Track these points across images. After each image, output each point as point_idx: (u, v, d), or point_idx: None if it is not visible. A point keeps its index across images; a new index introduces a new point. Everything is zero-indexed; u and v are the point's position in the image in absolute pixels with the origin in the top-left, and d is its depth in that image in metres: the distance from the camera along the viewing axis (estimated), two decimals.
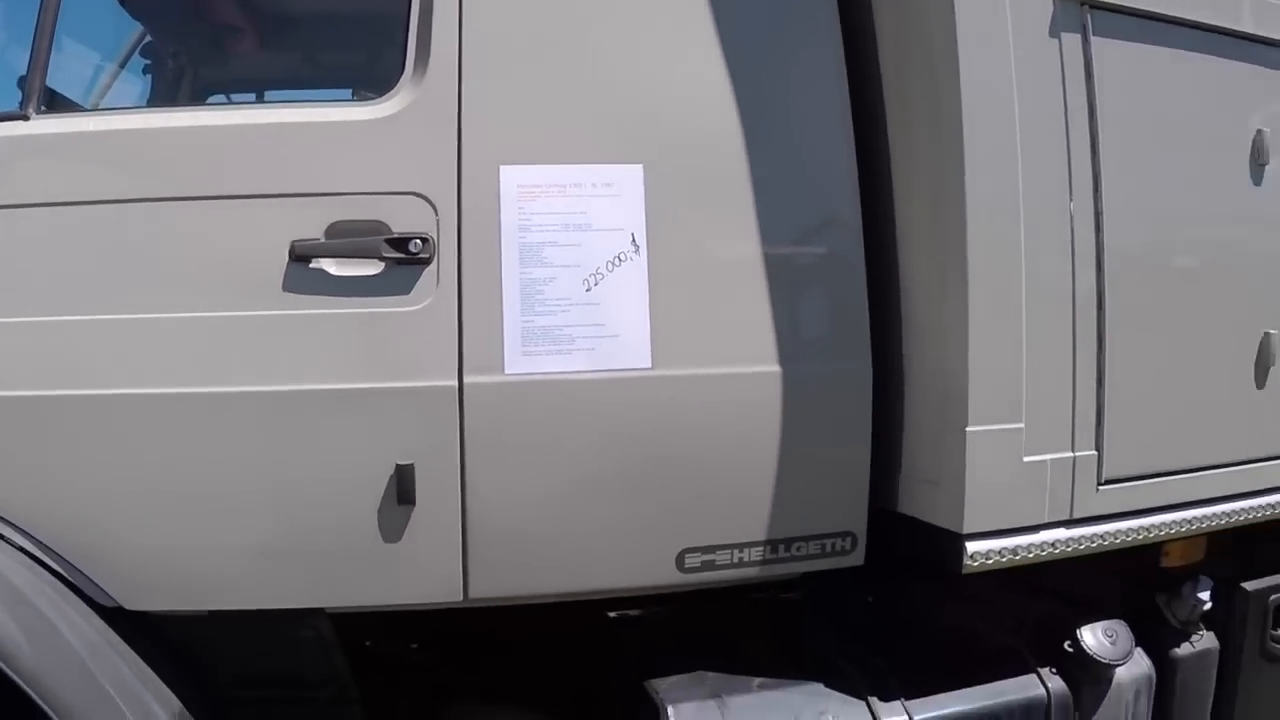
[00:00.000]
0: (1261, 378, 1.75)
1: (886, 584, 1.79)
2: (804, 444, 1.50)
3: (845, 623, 1.77)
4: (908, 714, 1.55)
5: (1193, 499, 1.67)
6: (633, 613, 1.79)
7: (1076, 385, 1.53)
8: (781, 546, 1.53)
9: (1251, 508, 1.74)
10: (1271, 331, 1.75)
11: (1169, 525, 1.63)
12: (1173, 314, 1.64)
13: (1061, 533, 1.53)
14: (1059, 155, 1.53)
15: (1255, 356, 1.74)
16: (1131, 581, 1.79)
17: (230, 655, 1.50)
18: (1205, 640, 1.79)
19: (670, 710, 1.49)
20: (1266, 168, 1.76)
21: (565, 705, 1.72)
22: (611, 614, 1.79)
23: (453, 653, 1.81)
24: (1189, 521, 1.66)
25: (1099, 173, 1.56)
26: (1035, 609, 1.75)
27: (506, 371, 1.40)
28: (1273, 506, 1.78)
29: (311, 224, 1.36)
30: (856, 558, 1.56)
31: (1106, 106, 1.54)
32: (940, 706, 1.57)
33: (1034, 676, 1.64)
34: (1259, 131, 1.72)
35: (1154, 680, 1.72)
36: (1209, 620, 1.81)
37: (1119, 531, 1.58)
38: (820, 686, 1.58)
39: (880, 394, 1.54)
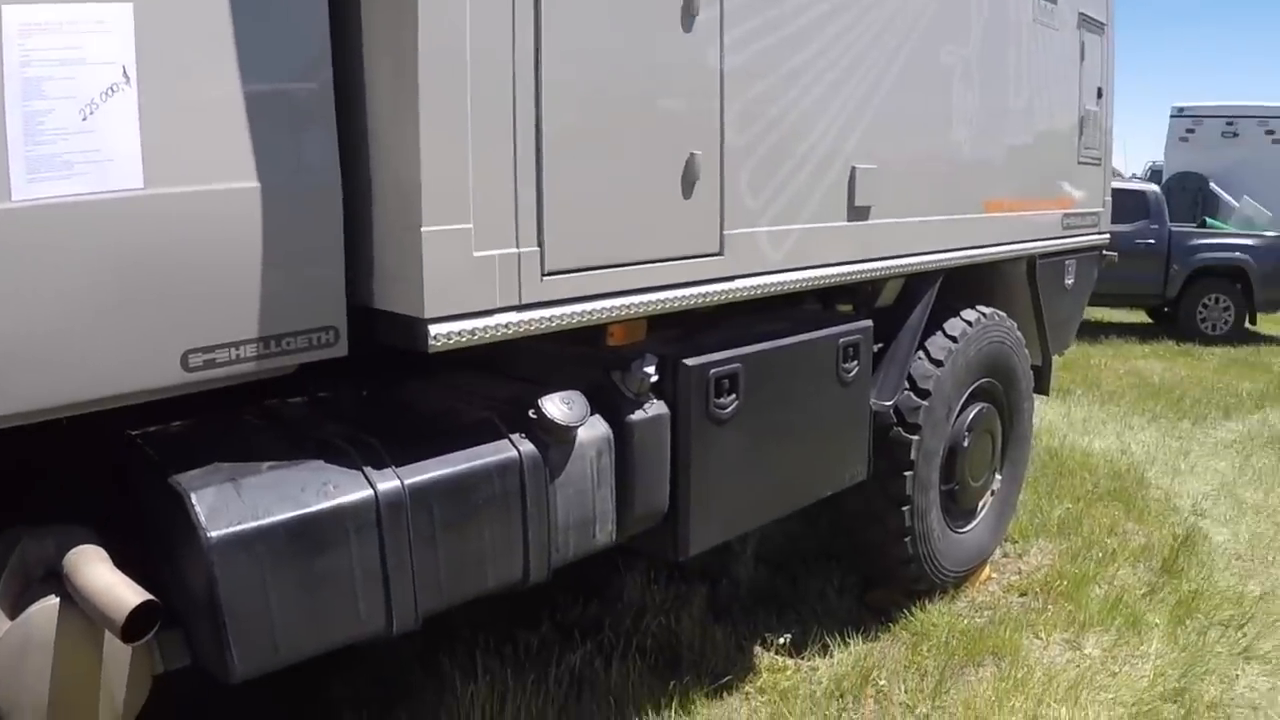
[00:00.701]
0: (688, 190, 2.41)
1: (379, 378, 2.26)
2: (284, 250, 1.88)
3: (344, 413, 2.24)
4: (399, 479, 2.04)
5: (630, 288, 2.29)
6: (153, 428, 2.09)
7: (519, 193, 2.06)
8: (273, 342, 1.91)
9: (679, 297, 2.41)
10: (696, 152, 2.40)
11: (609, 310, 2.26)
12: (606, 137, 2.24)
13: (513, 316, 2.08)
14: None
15: (682, 172, 2.38)
16: (590, 360, 2.41)
17: None
18: (656, 408, 2.48)
19: (193, 496, 1.83)
20: (696, 18, 2.38)
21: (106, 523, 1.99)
22: (135, 432, 2.08)
23: None
24: (628, 307, 2.30)
25: (540, 16, 2.05)
26: (510, 390, 2.31)
27: (13, 199, 1.60)
28: (698, 296, 2.47)
29: None
30: (340, 349, 2.00)
31: None
32: (427, 470, 2.09)
33: (506, 441, 2.20)
34: None
35: (612, 441, 2.38)
36: (660, 391, 2.49)
37: (563, 315, 2.17)
38: (322, 463, 2.02)
39: (352, 204, 1.95)
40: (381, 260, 1.99)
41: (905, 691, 3.25)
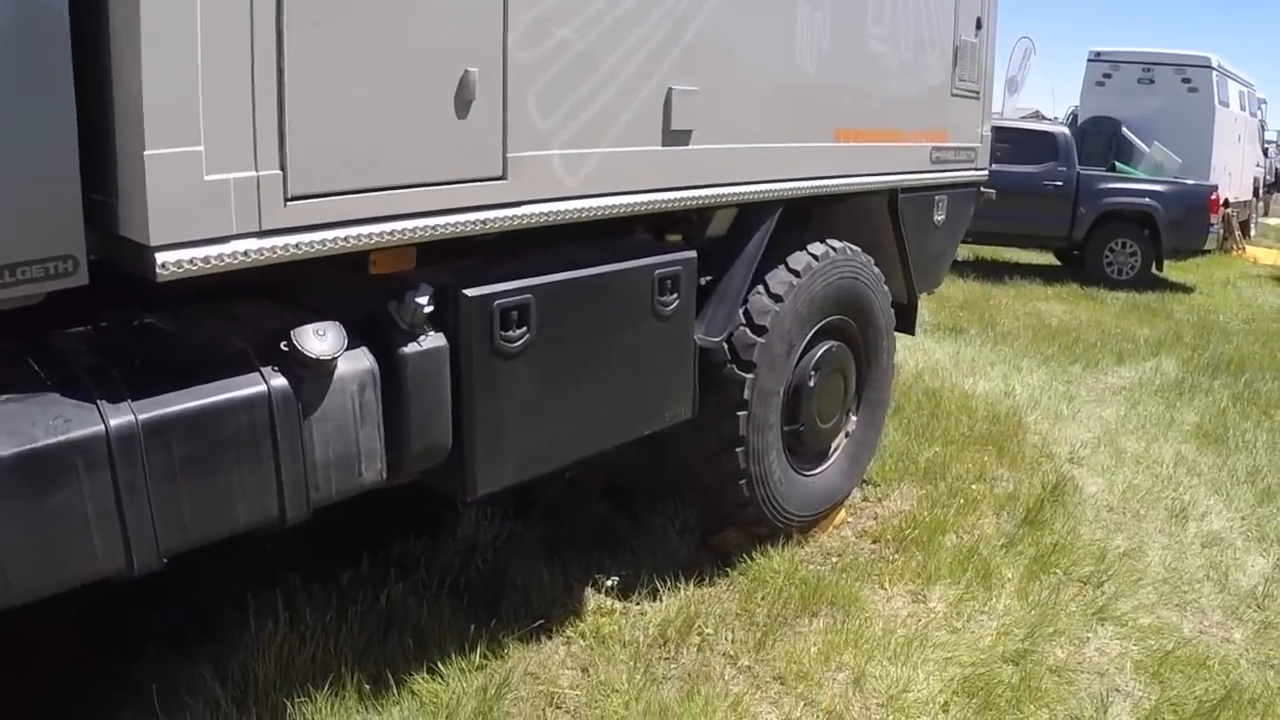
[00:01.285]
0: (463, 110, 2.45)
1: (130, 308, 2.29)
2: (16, 178, 1.88)
3: (108, 345, 2.28)
4: (134, 413, 2.09)
5: (391, 214, 2.35)
6: None
7: (257, 113, 2.11)
8: (7, 272, 1.92)
9: (454, 223, 2.47)
10: (471, 70, 2.44)
11: (366, 237, 2.31)
12: (361, 53, 2.28)
13: (253, 243, 2.15)
14: None
15: (455, 91, 2.42)
16: (370, 290, 2.47)
17: None
18: (433, 340, 2.57)
19: None
20: None
21: None
22: None
23: None
24: (390, 234, 2.36)
25: None
26: (280, 320, 2.36)
27: None
28: (477, 223, 2.53)
29: None
30: (81, 278, 2.05)
31: None
32: (165, 405, 2.16)
33: (257, 374, 2.27)
34: None
35: (378, 374, 2.47)
36: (440, 323, 2.55)
37: (311, 243, 2.23)
38: (56, 396, 2.08)
39: (95, 126, 1.97)
40: (121, 185, 2.03)
41: (731, 642, 3.45)
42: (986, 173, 5.30)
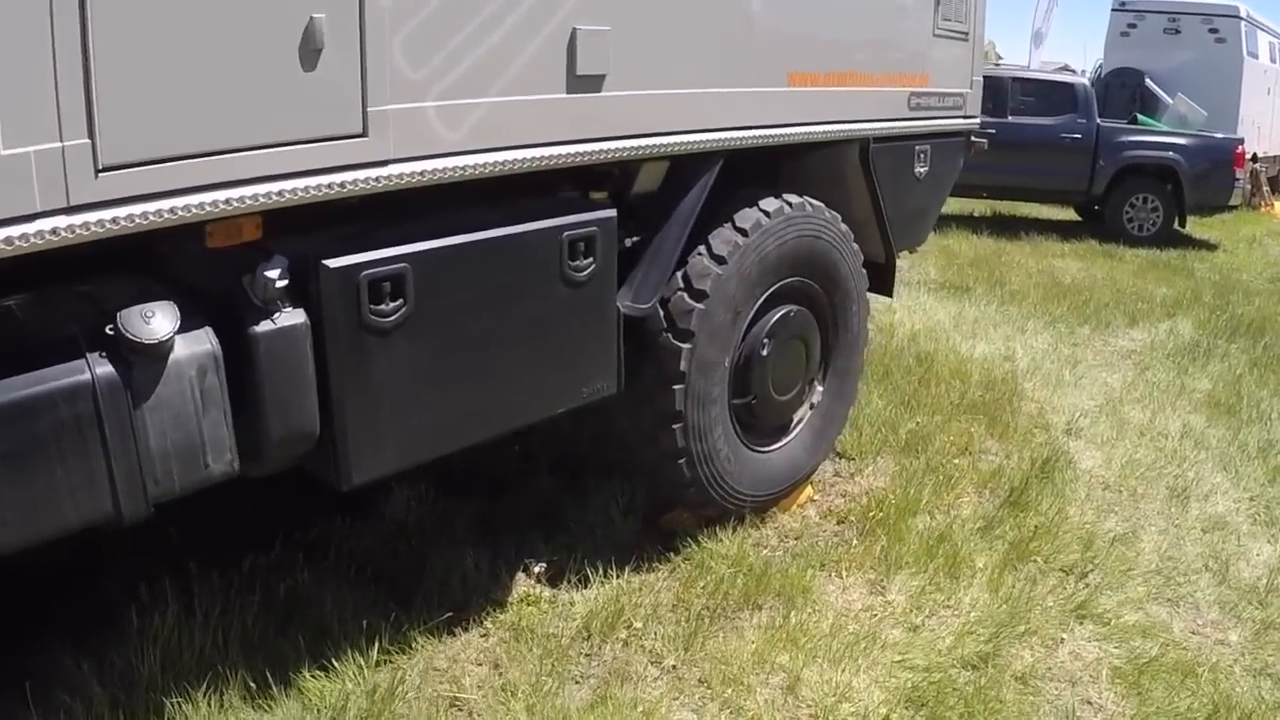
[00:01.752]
0: (310, 62, 2.16)
1: None
2: None
3: None
4: None
5: (223, 180, 2.07)
6: None
7: (59, 77, 1.82)
8: None
9: (304, 187, 2.19)
10: (318, 16, 2.14)
11: (194, 208, 2.04)
12: (182, 3, 1.96)
13: (61, 220, 1.90)
14: None
15: (300, 41, 2.13)
16: (222, 264, 2.21)
17: None
18: (290, 316, 2.30)
19: None
20: None
21: None
22: None
23: None
24: (223, 203, 2.09)
25: None
26: (124, 299, 2.10)
27: None
28: (334, 185, 2.25)
29: None
30: None
31: None
32: None
33: (82, 362, 2.02)
34: None
35: (220, 358, 2.21)
36: (301, 297, 2.28)
37: (130, 216, 1.97)
38: None
39: None
40: None
41: (659, 638, 3.18)
42: (977, 121, 4.93)
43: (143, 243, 2.09)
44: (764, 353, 3.70)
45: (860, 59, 4.02)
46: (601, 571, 3.44)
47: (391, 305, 2.44)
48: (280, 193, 2.20)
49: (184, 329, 2.15)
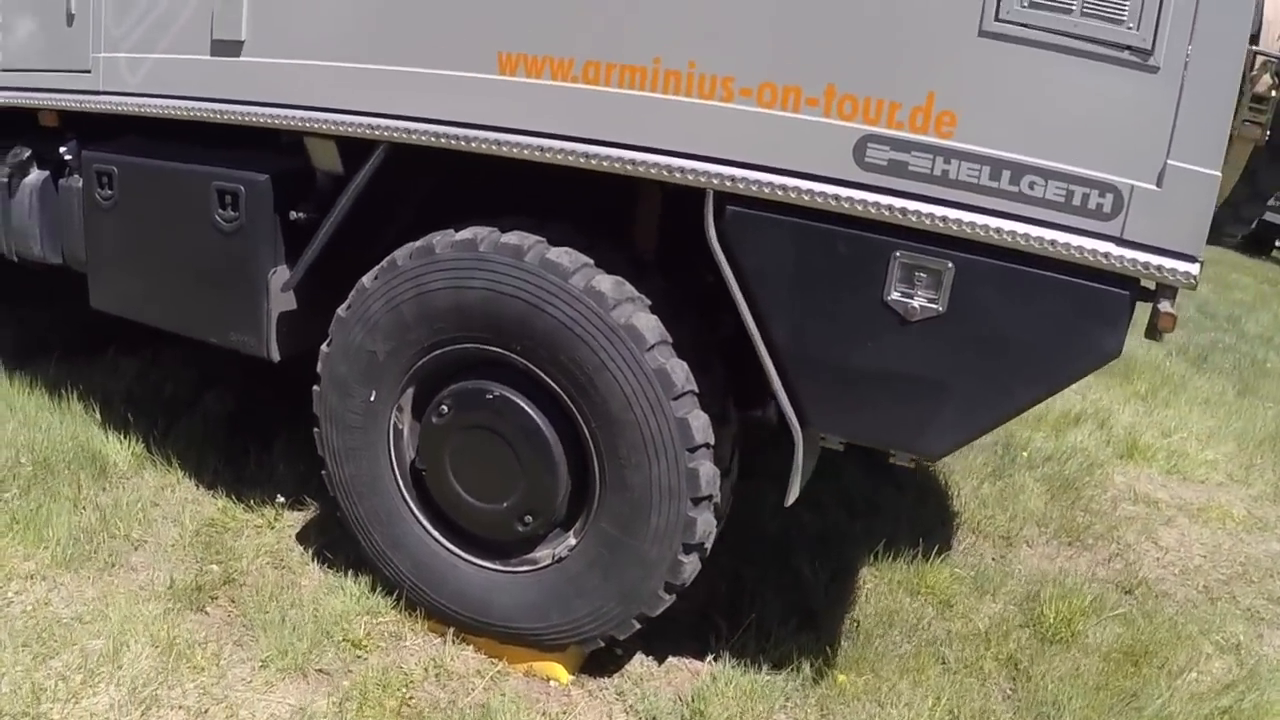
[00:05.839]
0: (70, 21, 3.53)
1: None
2: None
3: None
4: None
5: (33, 87, 3.69)
6: None
7: None
8: None
9: (61, 100, 3.61)
10: None
11: (16, 99, 3.74)
12: None
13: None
14: None
15: (65, 9, 3.52)
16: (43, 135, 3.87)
17: None
18: (72, 179, 3.73)
19: None
20: None
21: None
22: None
23: None
24: (22, 99, 3.71)
25: None
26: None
27: None
28: (74, 102, 3.56)
29: None
30: None
31: None
32: None
33: None
34: None
35: (40, 186, 3.86)
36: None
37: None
38: None
39: None
40: None
41: None
42: (1179, 267, 2.06)
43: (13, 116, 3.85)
44: (435, 420, 2.82)
45: (685, 45, 2.30)
46: None
47: (107, 192, 3.50)
48: (52, 100, 3.63)
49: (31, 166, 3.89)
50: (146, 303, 3.60)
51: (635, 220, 2.99)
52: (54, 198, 3.91)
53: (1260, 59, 2.41)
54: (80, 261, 3.81)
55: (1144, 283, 2.17)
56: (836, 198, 2.24)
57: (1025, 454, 4.93)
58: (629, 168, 2.44)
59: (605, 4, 2.46)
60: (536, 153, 2.54)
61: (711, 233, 2.39)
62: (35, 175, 4.00)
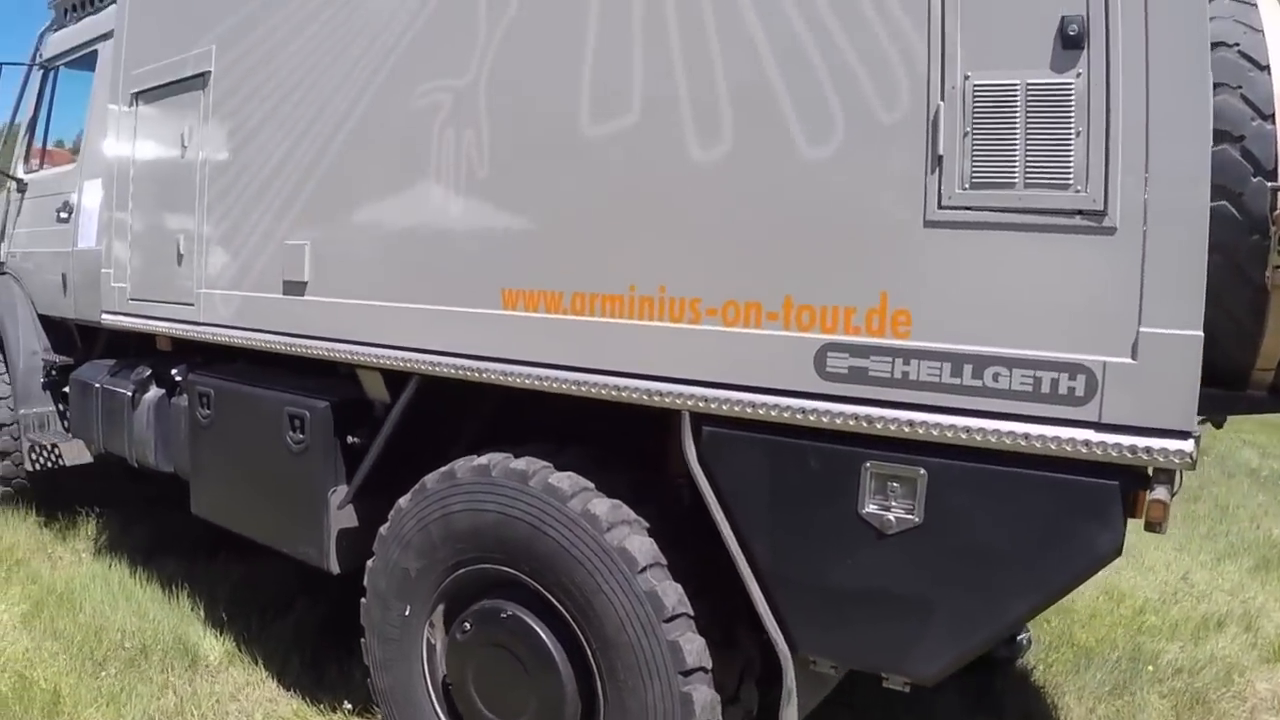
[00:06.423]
0: (179, 261, 4.01)
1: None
2: None
3: None
4: None
5: (151, 315, 4.18)
6: None
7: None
8: None
9: (174, 330, 4.07)
10: (180, 236, 3.98)
11: (146, 325, 4.24)
12: (146, 234, 4.18)
13: (118, 319, 4.43)
14: None
15: (177, 248, 4.02)
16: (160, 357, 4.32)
17: None
18: (180, 398, 4.15)
19: None
20: (187, 150, 3.95)
21: None
22: None
23: None
24: (145, 327, 4.20)
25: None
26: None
27: None
28: (186, 332, 4.01)
29: None
30: None
31: None
32: None
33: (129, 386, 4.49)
34: None
35: (155, 401, 4.30)
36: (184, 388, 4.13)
37: (132, 325, 4.34)
38: None
39: None
40: None
41: None
42: (1168, 446, 1.86)
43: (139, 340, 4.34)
44: (459, 637, 2.90)
45: (662, 271, 2.45)
46: None
47: (205, 411, 3.87)
48: (165, 327, 4.07)
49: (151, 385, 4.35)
50: (233, 512, 3.91)
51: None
52: (167, 413, 4.36)
53: None
54: (186, 471, 4.19)
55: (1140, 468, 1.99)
56: (802, 411, 2.24)
57: (1151, 668, 4.53)
58: (615, 394, 2.54)
59: (586, 237, 2.62)
60: (536, 382, 2.69)
61: (690, 454, 2.44)
62: (153, 392, 4.48)
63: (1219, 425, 3.24)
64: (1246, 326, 2.45)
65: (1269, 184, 2.36)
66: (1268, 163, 2.38)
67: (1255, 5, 2.66)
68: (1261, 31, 2.59)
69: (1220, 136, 2.41)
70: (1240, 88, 2.46)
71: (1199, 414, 2.99)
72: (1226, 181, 2.38)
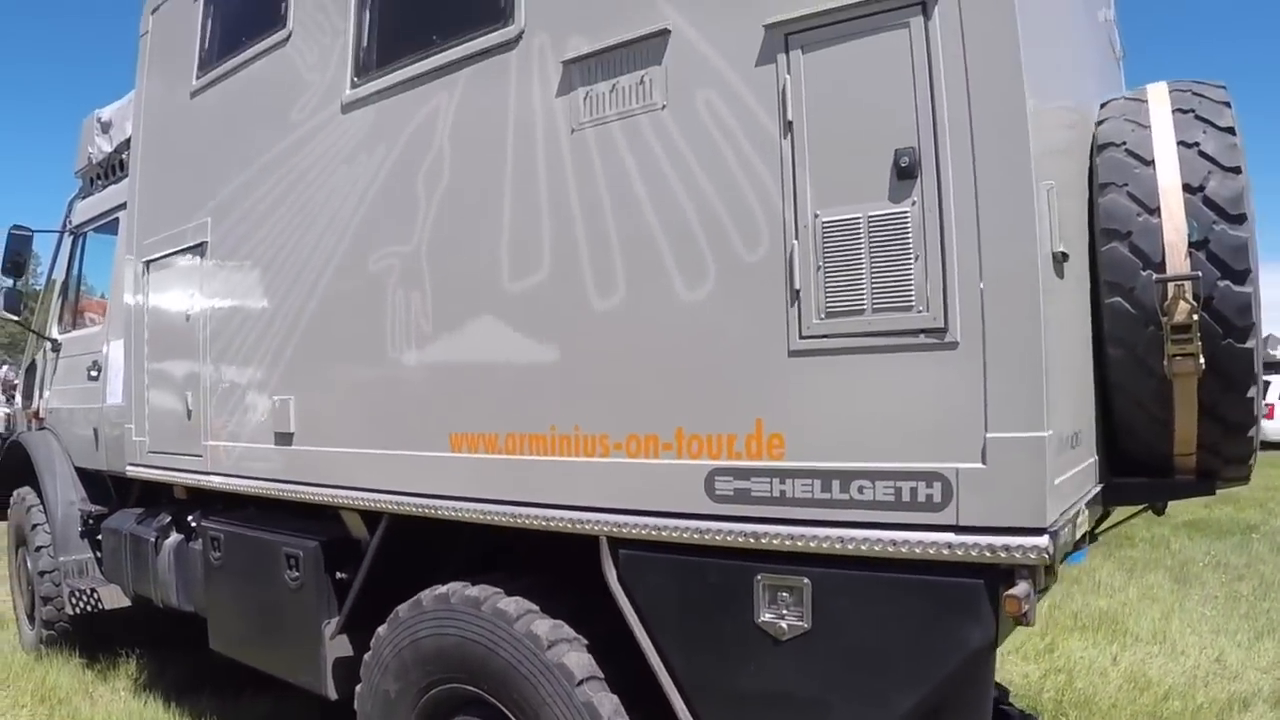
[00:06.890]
0: (189, 415, 4.39)
1: None
2: None
3: None
4: None
5: (160, 466, 4.55)
6: None
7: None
8: None
9: (187, 480, 4.43)
10: (189, 395, 4.36)
11: (163, 476, 4.61)
12: (168, 399, 4.58)
13: (141, 471, 4.81)
14: None
15: (185, 404, 4.40)
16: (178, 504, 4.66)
17: None
18: (195, 542, 4.50)
19: None
20: (194, 322, 4.36)
21: None
22: None
23: None
24: (158, 476, 4.57)
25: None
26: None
27: None
28: (197, 482, 4.36)
29: None
30: None
31: None
32: None
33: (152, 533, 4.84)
34: None
35: (174, 547, 4.64)
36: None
37: (156, 476, 4.71)
38: None
39: None
40: None
41: None
42: (1024, 543, 2.00)
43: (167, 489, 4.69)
44: None
45: (570, 411, 2.73)
46: None
47: (218, 553, 4.19)
48: (180, 478, 4.41)
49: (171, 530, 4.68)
50: (245, 646, 4.21)
51: None
52: (185, 556, 4.70)
53: (1172, 286, 2.40)
54: (203, 610, 4.51)
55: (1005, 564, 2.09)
56: (699, 531, 2.47)
57: None
58: (544, 524, 2.81)
59: (513, 383, 2.93)
60: (481, 515, 2.97)
61: (610, 576, 2.68)
62: (173, 538, 4.83)
63: (1159, 512, 3.36)
64: (1157, 415, 2.61)
65: (1154, 277, 2.48)
66: (1155, 255, 2.52)
67: (1146, 101, 2.87)
68: (1148, 127, 2.78)
69: (1109, 235, 2.59)
70: (1126, 185, 2.61)
71: (1140, 501, 3.14)
72: (1118, 278, 2.54)
